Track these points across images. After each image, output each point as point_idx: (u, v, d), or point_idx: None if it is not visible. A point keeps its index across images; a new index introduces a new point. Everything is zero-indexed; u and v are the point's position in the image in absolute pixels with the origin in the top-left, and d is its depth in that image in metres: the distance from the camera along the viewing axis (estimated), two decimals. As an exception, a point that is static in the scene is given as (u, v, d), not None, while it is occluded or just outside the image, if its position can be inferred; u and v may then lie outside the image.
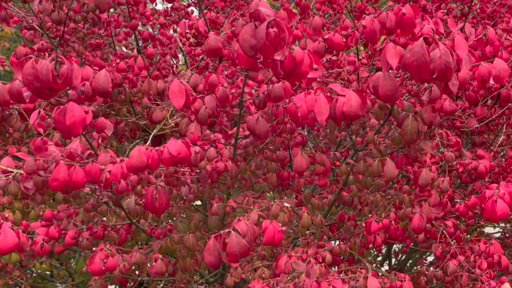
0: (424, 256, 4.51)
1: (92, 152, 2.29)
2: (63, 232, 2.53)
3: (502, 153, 4.00)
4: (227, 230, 2.03)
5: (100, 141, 2.32)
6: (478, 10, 3.89)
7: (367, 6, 3.86)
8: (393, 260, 4.64)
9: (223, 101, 2.07)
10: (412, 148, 2.53)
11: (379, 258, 4.88)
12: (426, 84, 2.29)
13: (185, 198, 2.57)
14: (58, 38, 3.39)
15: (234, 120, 3.24)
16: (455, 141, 2.76)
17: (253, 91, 2.21)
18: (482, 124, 3.55)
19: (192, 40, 3.29)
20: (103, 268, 2.29)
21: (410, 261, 4.55)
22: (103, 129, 2.15)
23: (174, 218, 2.89)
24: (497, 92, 3.53)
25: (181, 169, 2.36)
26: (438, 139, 2.70)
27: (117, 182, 2.18)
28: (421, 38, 1.77)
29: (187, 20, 3.55)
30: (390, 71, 2.25)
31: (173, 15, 4.31)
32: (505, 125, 3.59)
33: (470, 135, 3.69)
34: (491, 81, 2.40)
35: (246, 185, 2.81)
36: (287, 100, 2.23)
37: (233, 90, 2.16)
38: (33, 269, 3.28)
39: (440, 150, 2.74)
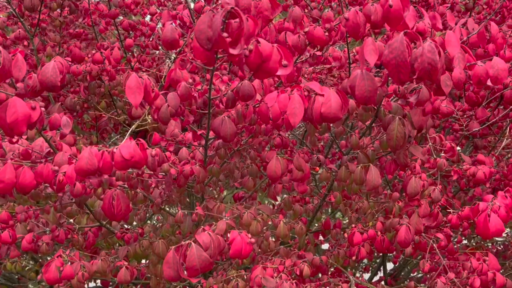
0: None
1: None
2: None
3: (507, 156, 3.77)
4: (187, 241, 1.85)
5: (59, 138, 2.13)
6: (484, 5, 3.64)
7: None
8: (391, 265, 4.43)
9: (185, 98, 1.88)
10: (401, 154, 2.32)
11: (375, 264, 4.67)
12: (415, 84, 2.08)
13: (153, 201, 2.39)
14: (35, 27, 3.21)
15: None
16: (450, 146, 2.54)
17: (223, 88, 2.01)
18: (484, 126, 3.33)
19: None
20: (59, 277, 2.11)
21: (408, 267, 4.34)
22: (57, 126, 1.97)
23: (149, 222, 2.71)
24: (500, 93, 3.31)
25: (145, 172, 2.18)
26: (430, 144, 2.48)
27: (72, 185, 2.00)
28: (402, 33, 1.56)
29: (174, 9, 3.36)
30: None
31: (167, 5, 4.13)
32: (508, 127, 3.36)
33: (472, 138, 3.46)
34: (488, 82, 2.17)
35: (221, 189, 2.62)
36: (259, 99, 2.04)
37: (199, 87, 1.96)
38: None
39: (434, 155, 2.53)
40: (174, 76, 1.87)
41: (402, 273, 4.28)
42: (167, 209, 2.83)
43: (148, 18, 3.84)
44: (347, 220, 2.90)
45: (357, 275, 4.52)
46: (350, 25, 2.01)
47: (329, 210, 3.71)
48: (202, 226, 1.97)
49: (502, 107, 3.52)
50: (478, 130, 3.12)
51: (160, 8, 4.24)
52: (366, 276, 4.66)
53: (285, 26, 2.87)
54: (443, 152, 2.55)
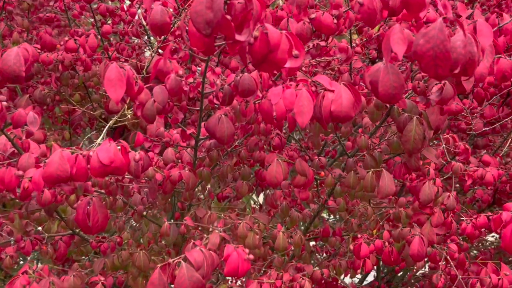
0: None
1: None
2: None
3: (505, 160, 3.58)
4: (176, 259, 1.57)
5: (24, 137, 1.83)
6: (489, -4, 3.42)
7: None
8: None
9: (174, 93, 1.59)
10: (413, 156, 2.07)
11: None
12: (434, 80, 1.83)
13: (134, 208, 2.10)
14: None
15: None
16: (464, 148, 2.31)
17: (218, 81, 1.73)
18: (490, 126, 3.11)
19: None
20: (24, 297, 1.81)
21: (401, 272, 4.12)
22: (22, 123, 1.67)
23: (128, 231, 2.41)
24: (507, 90, 3.10)
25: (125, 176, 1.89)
26: (443, 145, 2.24)
27: (40, 192, 1.71)
28: (440, 18, 1.31)
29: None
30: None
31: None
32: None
33: (472, 137, 3.25)
34: (514, 78, 1.94)
35: (211, 195, 2.34)
36: (260, 95, 1.77)
37: (191, 80, 1.68)
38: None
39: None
40: (162, 67, 1.58)
41: (395, 279, 4.06)
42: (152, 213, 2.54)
43: (127, 4, 3.53)
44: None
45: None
46: (365, 11, 1.75)
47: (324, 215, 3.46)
48: (192, 241, 1.70)
49: (506, 105, 3.32)
50: (486, 130, 2.91)
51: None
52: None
53: (279, 14, 2.60)
54: (455, 154, 2.32)
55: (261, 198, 4.03)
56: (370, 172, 1.97)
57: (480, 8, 3.58)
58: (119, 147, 1.51)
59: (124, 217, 2.22)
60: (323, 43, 2.13)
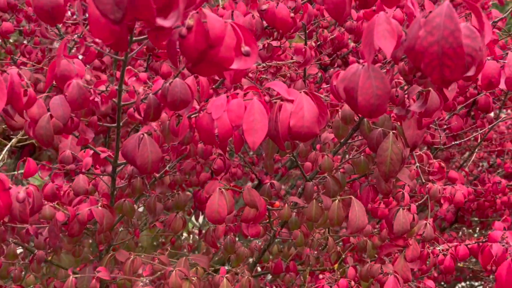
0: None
1: None
2: None
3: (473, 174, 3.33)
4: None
5: None
6: (448, -4, 3.15)
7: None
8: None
9: (78, 105, 1.15)
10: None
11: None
12: (416, 87, 1.48)
13: (34, 252, 1.63)
14: None
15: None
16: (439, 166, 1.98)
17: (140, 89, 1.30)
18: (449, 136, 2.83)
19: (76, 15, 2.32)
20: None
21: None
22: None
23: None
24: (473, 99, 2.82)
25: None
26: (417, 164, 1.90)
27: None
28: (447, 1, 0.95)
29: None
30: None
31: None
32: (480, 140, 2.89)
33: (434, 150, 2.96)
34: (502, 85, 1.61)
35: (136, 232, 1.90)
36: (197, 107, 1.35)
37: (102, 87, 1.24)
38: None
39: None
40: (60, 70, 1.14)
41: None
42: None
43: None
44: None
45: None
46: (331, 1, 1.37)
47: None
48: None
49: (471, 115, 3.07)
50: (453, 143, 2.61)
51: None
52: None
53: (220, 13, 2.19)
54: (429, 174, 1.98)
55: (201, 219, 3.62)
56: (337, 201, 1.59)
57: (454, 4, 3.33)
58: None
59: (20, 265, 1.74)
60: (275, 43, 1.74)
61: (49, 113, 1.19)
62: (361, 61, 1.20)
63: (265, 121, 1.24)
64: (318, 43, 2.66)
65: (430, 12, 1.00)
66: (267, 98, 1.33)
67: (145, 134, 1.20)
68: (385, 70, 1.41)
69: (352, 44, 3.11)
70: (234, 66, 1.06)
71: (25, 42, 2.31)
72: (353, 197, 1.57)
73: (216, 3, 4.22)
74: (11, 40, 2.71)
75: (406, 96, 1.48)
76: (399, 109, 1.49)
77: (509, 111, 4.38)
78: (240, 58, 1.07)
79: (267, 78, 2.57)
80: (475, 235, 3.71)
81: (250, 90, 1.33)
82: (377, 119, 1.60)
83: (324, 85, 3.22)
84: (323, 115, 1.34)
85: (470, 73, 0.95)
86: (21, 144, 2.01)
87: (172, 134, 1.31)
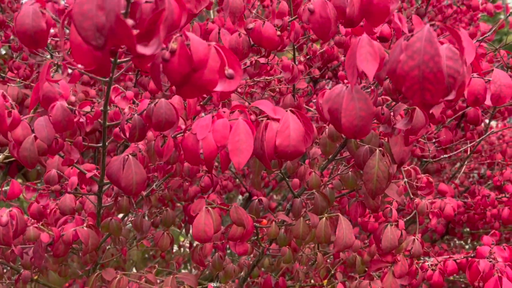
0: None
1: None
2: None
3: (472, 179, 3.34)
4: None
5: None
6: (436, 11, 3.18)
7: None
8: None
9: (62, 127, 1.15)
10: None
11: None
12: (401, 105, 1.48)
13: (20, 271, 1.62)
14: None
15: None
16: (427, 181, 1.98)
17: (126, 109, 1.30)
18: (439, 149, 2.85)
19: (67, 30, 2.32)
20: None
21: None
22: None
23: None
24: (462, 112, 2.84)
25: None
26: (405, 179, 1.91)
27: None
28: (427, 26, 0.96)
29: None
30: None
31: None
32: (470, 152, 2.90)
33: (423, 162, 2.97)
34: (488, 101, 1.62)
35: (123, 250, 1.89)
36: (183, 126, 1.35)
37: (87, 108, 1.24)
38: None
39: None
40: (44, 92, 1.14)
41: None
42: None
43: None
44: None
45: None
46: (316, 20, 1.38)
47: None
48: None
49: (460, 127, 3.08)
50: (442, 156, 2.62)
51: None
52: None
53: (209, 28, 2.20)
54: (418, 189, 1.98)
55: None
56: (324, 219, 1.59)
57: (425, 23, 3.35)
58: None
59: (8, 283, 1.72)
60: (263, 60, 1.74)
61: (33, 134, 1.18)
62: (345, 81, 1.20)
63: (250, 141, 1.23)
64: (308, 57, 2.67)
65: (412, 35, 1.00)
66: (253, 117, 1.34)
67: (130, 156, 1.20)
68: (370, 90, 1.41)
69: (342, 58, 3.13)
70: (218, 88, 1.06)
71: (13, 57, 2.30)
72: (340, 215, 1.58)
73: (207, 15, 4.24)
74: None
75: (392, 114, 1.48)
76: (385, 127, 1.50)
77: (499, 123, 4.41)
78: (224, 80, 1.07)
79: (257, 92, 2.58)
80: (467, 246, 3.72)
81: (236, 109, 1.34)
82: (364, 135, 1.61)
83: (314, 98, 3.23)
84: (309, 133, 1.34)
85: (451, 97, 0.96)
86: (8, 160, 1.99)
87: (157, 155, 1.31)
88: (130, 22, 0.85)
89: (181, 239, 3.58)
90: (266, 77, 2.00)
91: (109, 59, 0.89)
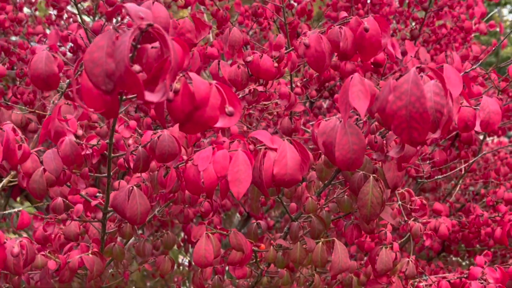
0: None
1: None
2: None
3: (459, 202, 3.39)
4: None
5: None
6: (430, 33, 3.26)
7: (299, 22, 3.13)
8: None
9: (70, 161, 1.21)
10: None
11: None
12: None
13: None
14: None
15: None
16: (420, 203, 2.04)
17: (130, 141, 1.36)
18: (434, 169, 2.91)
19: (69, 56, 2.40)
20: None
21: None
22: None
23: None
24: (456, 132, 2.91)
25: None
26: (399, 202, 1.96)
27: None
28: (413, 68, 1.02)
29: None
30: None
31: (60, 25, 3.41)
32: (464, 172, 2.96)
33: (418, 181, 3.03)
34: (477, 128, 1.69)
35: (125, 275, 1.93)
36: (185, 157, 1.41)
37: (94, 141, 1.30)
38: None
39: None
40: (54, 128, 1.20)
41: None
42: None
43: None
44: None
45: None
46: (312, 54, 1.44)
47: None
48: None
49: (454, 147, 3.14)
50: (437, 175, 2.68)
51: (50, 27, 3.51)
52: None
53: (208, 52, 2.27)
54: (412, 211, 2.04)
55: (191, 250, 3.65)
56: (320, 243, 1.65)
57: (420, 45, 3.42)
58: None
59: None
60: (261, 88, 1.81)
61: (42, 167, 1.24)
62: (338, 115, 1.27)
63: (249, 172, 1.29)
64: (305, 79, 2.74)
65: (401, 75, 1.07)
66: (251, 147, 1.39)
67: (135, 187, 1.26)
68: (362, 121, 1.47)
69: (338, 78, 3.20)
70: (219, 124, 1.12)
71: (17, 83, 2.37)
72: (336, 240, 1.63)
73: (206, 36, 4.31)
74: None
75: (384, 141, 1.54)
76: (378, 155, 1.56)
77: (495, 138, 4.47)
78: (224, 116, 1.13)
79: (254, 114, 2.65)
80: (464, 263, 3.76)
81: (236, 138, 1.40)
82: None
83: (311, 117, 3.30)
84: (305, 161, 1.40)
85: (436, 135, 1.02)
86: (10, 185, 2.04)
87: (160, 185, 1.36)
88: (137, 68, 0.91)
89: (180, 257, 3.62)
90: (264, 103, 2.06)
91: (117, 102, 0.96)
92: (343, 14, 1.57)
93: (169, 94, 0.98)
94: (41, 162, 1.26)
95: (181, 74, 1.06)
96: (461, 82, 1.36)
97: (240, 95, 1.84)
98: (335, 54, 1.48)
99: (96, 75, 0.89)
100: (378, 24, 1.46)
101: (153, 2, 1.51)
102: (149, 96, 0.87)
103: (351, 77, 1.13)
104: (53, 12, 3.63)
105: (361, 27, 1.45)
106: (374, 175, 1.59)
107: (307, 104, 3.38)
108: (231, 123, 1.13)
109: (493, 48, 2.73)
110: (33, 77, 1.01)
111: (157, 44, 0.96)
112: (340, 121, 1.20)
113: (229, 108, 1.11)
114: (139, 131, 1.52)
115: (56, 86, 1.03)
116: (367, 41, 1.44)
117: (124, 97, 1.02)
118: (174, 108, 1.05)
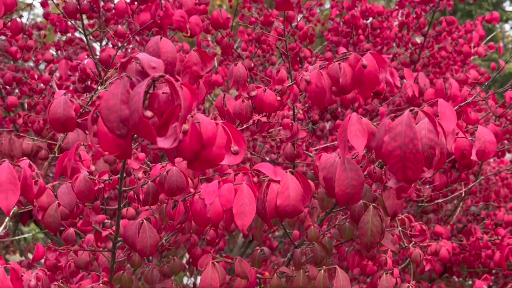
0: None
1: None
2: None
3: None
4: None
5: None
6: (429, 57, 3.34)
7: (301, 48, 3.21)
8: None
9: (84, 196, 1.28)
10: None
11: None
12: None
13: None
14: None
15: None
16: (420, 228, 2.09)
17: (140, 174, 1.43)
18: (434, 193, 2.96)
19: (78, 85, 2.47)
20: None
21: None
22: None
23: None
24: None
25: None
26: (399, 228, 2.02)
27: None
28: (407, 111, 1.08)
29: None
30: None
31: (68, 50, 3.50)
32: (464, 194, 3.01)
33: (420, 203, 3.08)
34: (473, 157, 1.75)
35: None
36: (192, 190, 1.48)
37: (106, 176, 1.37)
38: None
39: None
40: (69, 165, 1.26)
41: None
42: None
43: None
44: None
45: None
46: (312, 89, 1.51)
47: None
48: None
49: (454, 169, 3.20)
50: (437, 198, 2.74)
51: (58, 52, 3.59)
52: None
53: (213, 79, 2.34)
54: (412, 237, 2.10)
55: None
56: (322, 271, 1.70)
57: (420, 68, 3.49)
58: (7, 270, 1.16)
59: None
60: (264, 119, 1.88)
61: (57, 201, 1.31)
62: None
63: (253, 204, 1.35)
64: (307, 105, 2.81)
65: (396, 116, 1.14)
66: (255, 179, 1.46)
67: (145, 221, 1.32)
68: (361, 156, 1.53)
69: (339, 101, 3.27)
70: (225, 162, 1.19)
71: (26, 111, 2.44)
72: (337, 267, 1.68)
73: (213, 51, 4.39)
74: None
75: (383, 172, 1.61)
76: (377, 185, 1.62)
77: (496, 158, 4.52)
78: (230, 155, 1.20)
79: (258, 138, 2.71)
80: (467, 284, 3.79)
81: (241, 171, 1.47)
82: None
83: (314, 140, 3.36)
84: (307, 192, 1.46)
85: (428, 174, 1.09)
86: (20, 211, 2.11)
87: (168, 218, 1.43)
88: (149, 114, 0.97)
89: (185, 279, 3.67)
90: (268, 132, 2.13)
91: (130, 146, 1.02)
92: (342, 49, 1.65)
93: (179, 139, 1.05)
94: (55, 196, 1.33)
95: (189, 116, 1.13)
96: (455, 117, 1.43)
97: (245, 126, 1.90)
98: (335, 88, 1.54)
99: (111, 121, 0.96)
100: (375, 60, 1.53)
101: (160, 38, 1.59)
102: (161, 143, 0.94)
103: (349, 117, 1.19)
104: (61, 37, 3.73)
105: (359, 63, 1.52)
106: (373, 204, 1.65)
107: (310, 125, 3.45)
108: (236, 161, 1.19)
109: (493, 75, 2.80)
110: (52, 121, 1.08)
111: (167, 89, 1.03)
112: (340, 157, 1.27)
113: (234, 147, 1.17)
114: (147, 162, 1.58)
115: (73, 128, 1.09)
116: (366, 76, 1.51)
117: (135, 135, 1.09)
118: (183, 148, 1.11)
